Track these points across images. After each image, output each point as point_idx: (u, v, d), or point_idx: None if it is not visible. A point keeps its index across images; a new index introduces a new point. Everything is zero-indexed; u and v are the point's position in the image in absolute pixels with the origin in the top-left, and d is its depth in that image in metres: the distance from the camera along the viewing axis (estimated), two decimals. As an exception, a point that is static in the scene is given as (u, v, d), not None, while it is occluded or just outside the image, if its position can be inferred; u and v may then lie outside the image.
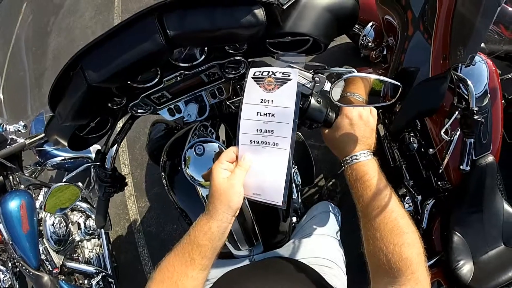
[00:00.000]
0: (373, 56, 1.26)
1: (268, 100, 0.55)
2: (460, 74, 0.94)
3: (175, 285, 0.52)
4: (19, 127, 1.66)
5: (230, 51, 0.69)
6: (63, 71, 0.62)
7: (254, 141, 0.56)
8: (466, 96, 0.93)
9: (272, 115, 0.55)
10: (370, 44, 1.23)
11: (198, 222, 0.55)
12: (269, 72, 0.57)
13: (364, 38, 1.23)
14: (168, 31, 0.54)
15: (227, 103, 0.98)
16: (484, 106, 1.00)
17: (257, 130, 0.56)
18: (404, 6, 0.99)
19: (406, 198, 1.24)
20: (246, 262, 0.85)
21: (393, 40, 1.12)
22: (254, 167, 0.56)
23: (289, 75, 0.55)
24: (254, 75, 0.57)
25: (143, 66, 0.61)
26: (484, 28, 0.83)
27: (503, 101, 1.38)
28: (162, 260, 0.55)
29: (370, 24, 1.24)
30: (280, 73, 0.56)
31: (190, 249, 0.53)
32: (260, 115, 0.56)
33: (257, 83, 0.57)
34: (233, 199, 0.54)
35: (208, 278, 0.80)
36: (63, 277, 1.53)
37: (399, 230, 0.52)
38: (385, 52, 1.22)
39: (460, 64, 0.95)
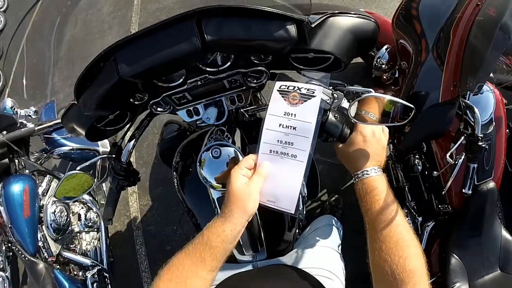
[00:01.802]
0: (385, 78, 1.29)
1: (291, 114, 0.58)
2: (468, 102, 0.98)
3: (183, 284, 0.53)
4: (30, 112, 1.67)
5: (255, 61, 0.72)
6: (95, 61, 0.64)
7: (274, 151, 0.59)
8: (472, 123, 0.96)
9: (294, 128, 0.58)
10: (383, 66, 1.27)
11: (212, 224, 0.57)
12: (294, 87, 0.60)
13: (379, 60, 1.27)
14: (205, 35, 0.57)
15: (242, 111, 1.01)
16: (489, 133, 1.03)
17: (278, 141, 0.59)
18: (419, 32, 1.04)
19: (407, 218, 1.26)
20: (249, 267, 0.86)
21: (406, 64, 1.16)
22: (271, 175, 0.59)
23: (313, 92, 0.59)
24: (280, 88, 0.61)
25: (175, 66, 0.64)
26: (493, 60, 0.87)
27: (507, 130, 1.42)
28: (171, 259, 0.56)
29: (385, 47, 1.28)
30: (305, 89, 0.59)
31: (202, 250, 0.55)
32: (282, 127, 0.59)
33: (282, 96, 0.60)
34: (249, 205, 0.56)
35: (211, 279, 0.82)
36: (58, 266, 1.52)
37: (404, 243, 0.54)
38: (397, 75, 1.25)
39: (468, 92, 0.99)
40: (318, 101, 0.58)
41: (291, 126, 0.58)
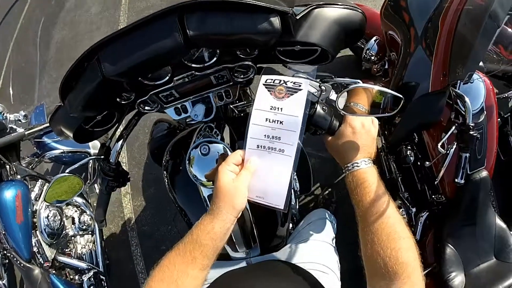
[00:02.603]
0: (375, 69, 1.29)
1: (278, 108, 0.57)
2: (458, 91, 0.98)
3: (175, 284, 0.52)
4: (19, 117, 1.64)
5: (240, 55, 0.71)
6: (78, 62, 0.63)
7: (261, 146, 0.58)
8: (463, 112, 0.96)
9: (281, 122, 0.57)
10: (372, 57, 1.27)
11: (201, 222, 0.56)
12: (280, 80, 0.59)
13: (368, 51, 1.27)
14: (188, 31, 0.56)
15: (231, 107, 1.00)
16: (480, 122, 1.03)
17: (265, 135, 0.58)
18: (407, 23, 1.03)
19: (401, 210, 1.26)
20: (243, 264, 0.86)
21: (395, 55, 1.15)
22: (259, 171, 0.58)
23: (300, 85, 0.58)
24: (265, 82, 0.60)
25: (159, 63, 0.63)
26: (482, 48, 0.87)
27: (499, 119, 1.42)
28: (162, 259, 0.55)
29: (374, 38, 1.27)
30: (291, 82, 0.58)
31: (192, 248, 0.54)
32: (269, 122, 0.58)
33: (268, 91, 0.59)
34: (238, 201, 0.55)
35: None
36: (54, 271, 1.51)
37: (396, 235, 0.53)
38: (386, 66, 1.25)
39: (458, 81, 0.99)
40: (305, 94, 0.57)
41: (278, 121, 0.57)
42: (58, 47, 3.12)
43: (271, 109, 0.58)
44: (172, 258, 0.55)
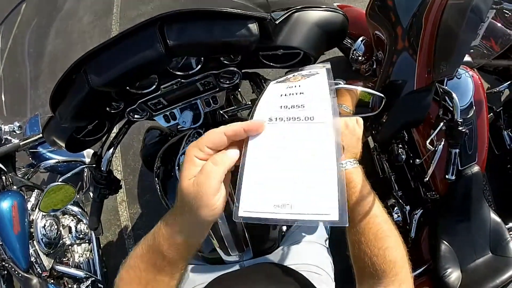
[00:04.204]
0: (364, 69, 1.30)
1: (295, 86, 0.43)
2: (445, 87, 0.98)
3: None
4: (14, 128, 1.65)
5: (225, 61, 0.72)
6: (66, 74, 0.65)
7: (276, 118, 0.37)
8: (451, 108, 0.97)
9: (301, 93, 0.40)
10: (360, 58, 1.27)
11: (164, 227, 0.41)
12: (294, 73, 0.48)
13: (354, 52, 1.28)
14: (168, 40, 0.57)
15: (221, 112, 1.00)
16: (469, 118, 1.04)
17: (281, 106, 0.39)
18: (393, 22, 1.04)
19: (395, 208, 1.26)
20: (236, 267, 0.86)
21: (382, 55, 1.16)
22: (270, 160, 0.34)
23: (316, 72, 0.46)
24: (276, 81, 0.48)
25: (143, 73, 0.64)
26: (466, 44, 0.87)
27: (491, 114, 1.43)
28: (127, 258, 0.46)
29: (361, 39, 1.28)
30: (307, 70, 0.48)
31: (156, 258, 0.42)
32: (285, 96, 0.41)
33: (280, 82, 0.46)
34: (202, 212, 0.36)
35: (199, 283, 0.82)
36: (52, 281, 1.50)
37: (383, 234, 0.54)
38: (374, 66, 1.26)
39: (445, 78, 0.99)
40: (325, 75, 0.44)
41: (297, 93, 0.41)
42: (52, 57, 3.14)
43: (287, 88, 0.43)
44: (137, 262, 0.44)
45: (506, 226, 1.14)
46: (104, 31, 2.98)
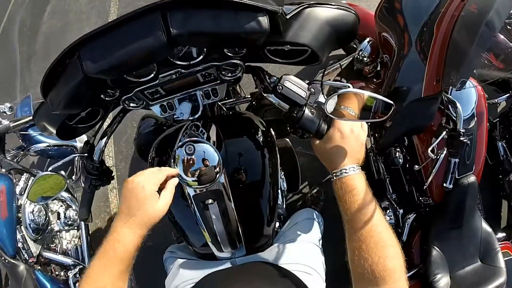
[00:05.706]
0: (367, 70, 1.28)
1: None
2: (450, 96, 0.97)
3: None
4: (4, 109, 1.61)
5: (228, 53, 0.69)
6: (59, 58, 0.61)
7: None
8: (454, 118, 0.96)
9: None
10: (365, 59, 1.25)
11: (121, 233, 0.60)
12: None
13: (360, 52, 1.25)
14: (171, 29, 0.53)
15: (219, 104, 0.98)
16: (470, 128, 1.03)
17: None
18: (402, 26, 1.02)
19: (388, 211, 1.27)
20: (228, 264, 0.85)
21: (388, 57, 1.14)
22: None
23: None
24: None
25: (142, 62, 0.60)
26: (477, 56, 0.87)
27: (488, 124, 1.43)
28: (87, 269, 0.58)
29: (367, 39, 1.26)
30: None
31: (118, 264, 0.58)
32: None
33: None
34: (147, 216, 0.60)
35: (189, 278, 0.81)
36: (39, 267, 1.48)
37: (384, 243, 0.54)
38: (378, 68, 1.24)
39: (451, 87, 0.98)
40: None
41: None
42: (47, 36, 3.04)
43: None
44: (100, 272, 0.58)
45: (496, 236, 1.16)
46: (102, 13, 2.89)
